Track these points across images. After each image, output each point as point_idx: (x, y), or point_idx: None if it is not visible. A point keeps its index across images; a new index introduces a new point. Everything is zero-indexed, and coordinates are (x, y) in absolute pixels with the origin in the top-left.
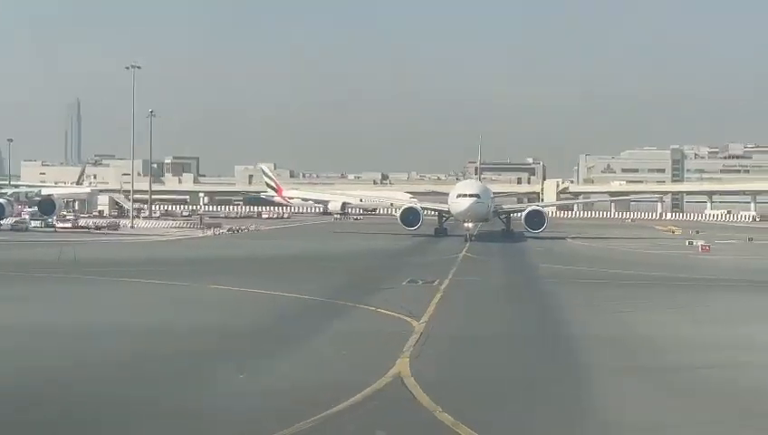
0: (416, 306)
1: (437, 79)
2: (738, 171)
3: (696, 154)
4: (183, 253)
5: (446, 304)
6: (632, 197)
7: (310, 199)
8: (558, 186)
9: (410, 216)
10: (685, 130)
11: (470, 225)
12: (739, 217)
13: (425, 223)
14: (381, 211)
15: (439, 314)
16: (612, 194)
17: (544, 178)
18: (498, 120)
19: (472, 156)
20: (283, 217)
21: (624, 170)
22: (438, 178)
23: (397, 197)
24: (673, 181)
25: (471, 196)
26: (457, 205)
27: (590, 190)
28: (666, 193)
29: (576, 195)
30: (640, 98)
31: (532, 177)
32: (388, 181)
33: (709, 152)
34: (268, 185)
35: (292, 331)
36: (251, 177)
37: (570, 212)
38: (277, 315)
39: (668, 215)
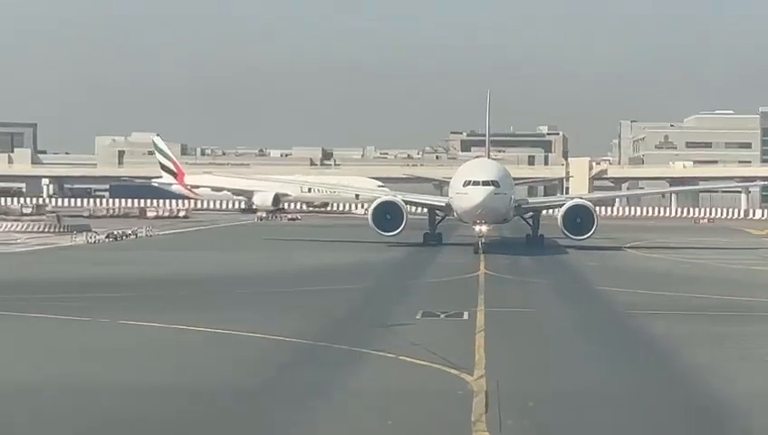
0: (454, 352)
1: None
2: None
3: None
4: (63, 271)
5: (501, 350)
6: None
7: (225, 189)
8: (591, 167)
9: (387, 214)
10: None
11: (484, 228)
12: None
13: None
14: (337, 207)
15: (497, 363)
16: (675, 181)
17: (566, 156)
18: (499, 71)
19: (455, 124)
20: (178, 216)
21: (690, 145)
22: (408, 157)
23: (360, 185)
24: (765, 162)
25: (486, 183)
26: (466, 198)
27: (639, 175)
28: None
29: (618, 181)
30: (711, 36)
31: (549, 154)
32: (332, 161)
33: None
34: (164, 167)
35: (295, 392)
36: (121, 154)
37: (609, 208)
38: (259, 368)
39: (759, 212)
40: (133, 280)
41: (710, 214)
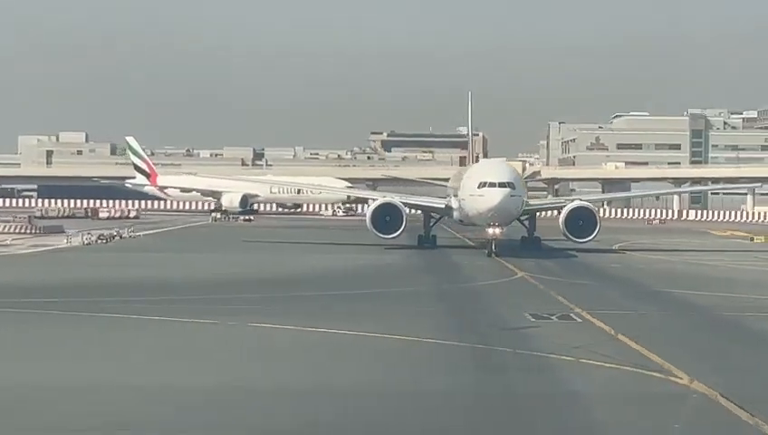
0: (624, 354)
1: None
2: None
3: (725, 123)
4: (114, 274)
5: (665, 351)
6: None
7: (194, 190)
8: (525, 168)
9: (387, 216)
10: (707, 88)
11: (497, 230)
12: None
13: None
14: (307, 208)
15: (684, 365)
16: (607, 182)
17: (485, 155)
18: (417, 71)
19: (375, 125)
20: (129, 217)
21: (620, 146)
22: (339, 157)
23: (330, 185)
24: (693, 163)
25: (503, 185)
26: (481, 199)
27: (572, 176)
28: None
29: (550, 182)
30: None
31: (464, 154)
32: (264, 161)
33: (745, 120)
34: (137, 168)
35: (528, 398)
36: (49, 154)
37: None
38: (440, 370)
39: (691, 213)
40: (197, 282)
41: (646, 215)
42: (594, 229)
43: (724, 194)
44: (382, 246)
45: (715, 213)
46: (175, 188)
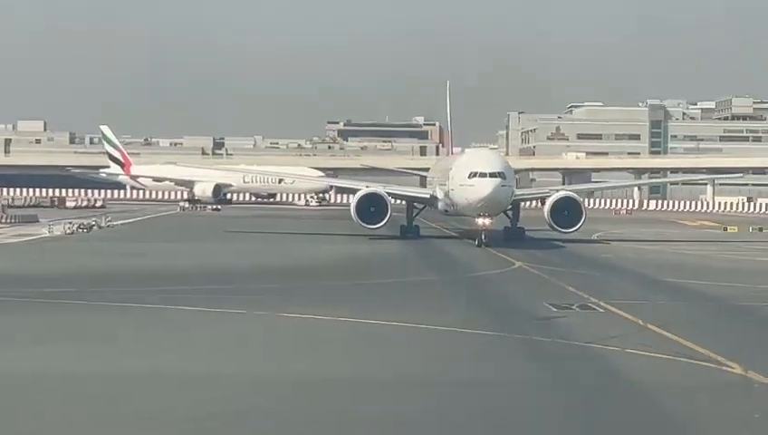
0: (663, 343)
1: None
2: (746, 138)
3: (684, 113)
4: (115, 264)
5: (704, 340)
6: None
7: (167, 179)
8: None
9: (372, 206)
10: (667, 78)
11: (487, 220)
12: (758, 206)
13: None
14: (281, 197)
15: (732, 354)
16: (569, 173)
17: (442, 145)
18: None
19: (331, 115)
20: (95, 206)
21: (581, 136)
22: (300, 147)
23: (304, 174)
24: (652, 153)
25: (494, 175)
26: (472, 190)
27: (533, 166)
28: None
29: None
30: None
31: (427, 144)
32: (224, 151)
33: (703, 111)
34: (111, 157)
35: (594, 390)
36: (8, 142)
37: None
38: (490, 359)
39: (651, 203)
40: (208, 272)
41: (613, 205)
42: (580, 220)
43: (683, 184)
44: (367, 236)
45: (676, 203)
46: (147, 177)
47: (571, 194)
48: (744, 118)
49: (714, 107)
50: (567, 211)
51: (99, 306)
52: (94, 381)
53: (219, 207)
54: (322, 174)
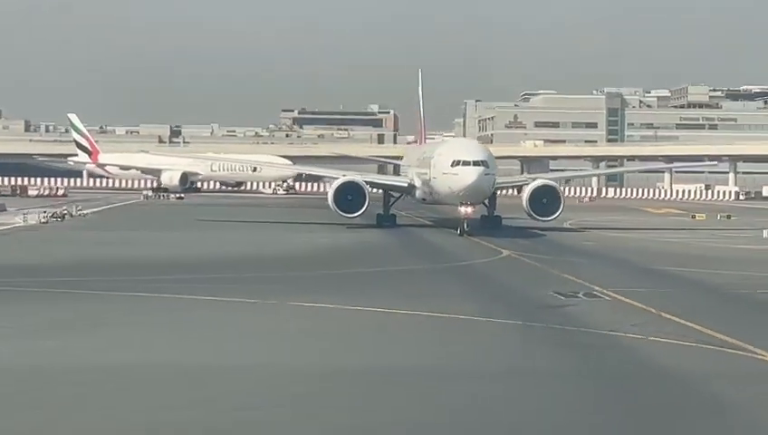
0: (683, 332)
1: None
2: (702, 126)
3: (640, 101)
4: (101, 252)
5: (726, 328)
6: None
7: (134, 167)
8: None
9: (349, 195)
10: (622, 66)
11: (469, 209)
12: (716, 193)
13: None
14: (249, 186)
15: (751, 339)
16: (527, 160)
17: (396, 133)
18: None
19: (286, 103)
20: (57, 195)
21: (538, 124)
22: (257, 135)
23: (271, 161)
24: (609, 141)
25: (477, 163)
26: (455, 178)
27: (493, 154)
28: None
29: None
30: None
31: (382, 132)
32: (181, 139)
33: (659, 99)
34: (79, 145)
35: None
36: None
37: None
38: (518, 349)
39: (610, 191)
40: (202, 261)
41: (575, 193)
42: (558, 208)
43: (639, 172)
44: (344, 224)
45: (633, 191)
46: (114, 165)
47: (549, 182)
48: (700, 106)
49: (669, 95)
50: (545, 199)
51: (116, 296)
52: (141, 370)
53: (183, 195)
54: (290, 162)
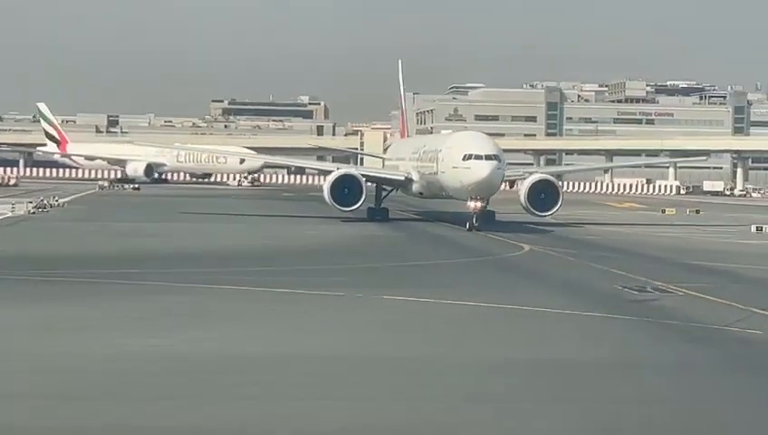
0: None
1: None
2: (639, 121)
3: (579, 96)
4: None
5: None
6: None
7: (99, 157)
8: (386, 138)
9: (346, 188)
10: (562, 60)
11: (479, 204)
12: (658, 188)
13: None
14: (216, 178)
15: None
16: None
17: (335, 125)
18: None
19: (215, 92)
20: (9, 185)
21: (478, 117)
22: (194, 125)
23: (235, 152)
24: (548, 135)
25: (489, 157)
26: (467, 172)
27: None
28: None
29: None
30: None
31: (320, 124)
32: (119, 129)
33: (597, 93)
34: (48, 135)
35: None
36: None
37: None
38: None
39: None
40: (239, 253)
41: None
42: (557, 203)
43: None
44: (339, 218)
45: (574, 184)
46: (79, 155)
47: (548, 177)
48: (637, 101)
49: (606, 89)
50: (543, 194)
51: (201, 289)
52: (282, 362)
53: (138, 186)
54: (255, 153)
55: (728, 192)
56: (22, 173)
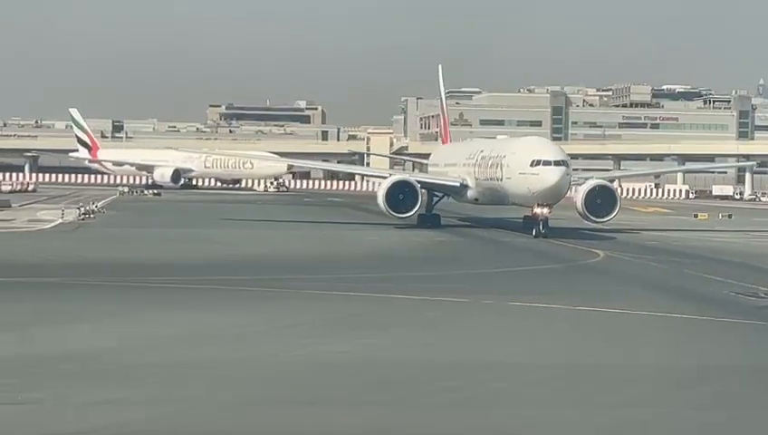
0: None
1: None
2: (644, 125)
3: (584, 100)
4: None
5: None
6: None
7: (127, 163)
8: (392, 143)
9: (400, 194)
10: (567, 65)
11: (545, 210)
12: (667, 192)
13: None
14: (246, 183)
15: None
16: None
17: (339, 129)
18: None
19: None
20: (28, 190)
21: (483, 122)
22: (198, 130)
23: (265, 158)
24: (554, 139)
25: (558, 163)
26: (536, 178)
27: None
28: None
29: (418, 157)
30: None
31: (325, 129)
32: (123, 134)
33: (601, 97)
34: (80, 141)
35: None
36: None
37: None
38: None
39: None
40: (333, 259)
41: None
42: (615, 209)
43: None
44: (390, 224)
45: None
46: (108, 161)
47: (605, 182)
48: (642, 105)
49: (610, 94)
50: (600, 200)
51: (335, 295)
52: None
53: (159, 192)
54: (280, 158)
55: (737, 196)
56: (27, 179)
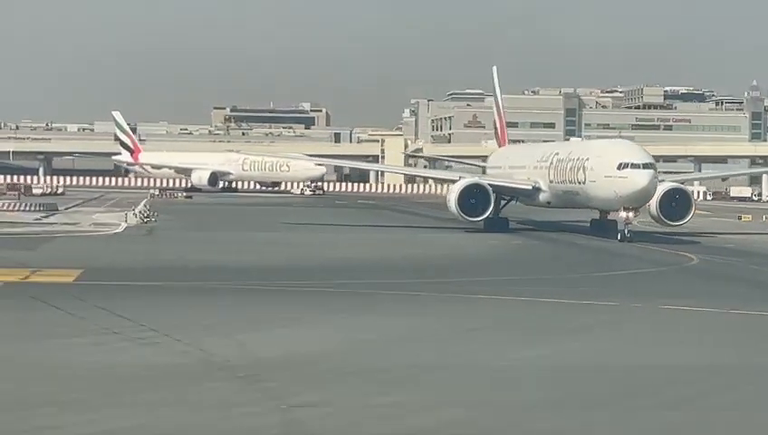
0: None
1: None
2: (657, 127)
3: (597, 102)
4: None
5: None
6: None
7: (165, 166)
8: (407, 145)
9: (472, 198)
10: (579, 67)
11: (631, 214)
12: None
13: None
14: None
15: None
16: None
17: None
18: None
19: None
20: (57, 193)
21: None
22: (210, 133)
23: (299, 162)
24: (567, 140)
25: (647, 166)
26: (624, 182)
27: (453, 154)
28: None
29: (431, 160)
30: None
31: (338, 131)
32: (137, 136)
33: (614, 99)
34: (122, 144)
35: None
36: None
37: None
38: None
39: None
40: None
41: None
42: (689, 212)
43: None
44: (460, 228)
45: None
46: (147, 164)
47: (679, 185)
48: (655, 107)
49: (622, 96)
50: (674, 203)
51: (478, 299)
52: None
53: (192, 195)
54: (318, 163)
55: (755, 198)
56: (42, 181)
